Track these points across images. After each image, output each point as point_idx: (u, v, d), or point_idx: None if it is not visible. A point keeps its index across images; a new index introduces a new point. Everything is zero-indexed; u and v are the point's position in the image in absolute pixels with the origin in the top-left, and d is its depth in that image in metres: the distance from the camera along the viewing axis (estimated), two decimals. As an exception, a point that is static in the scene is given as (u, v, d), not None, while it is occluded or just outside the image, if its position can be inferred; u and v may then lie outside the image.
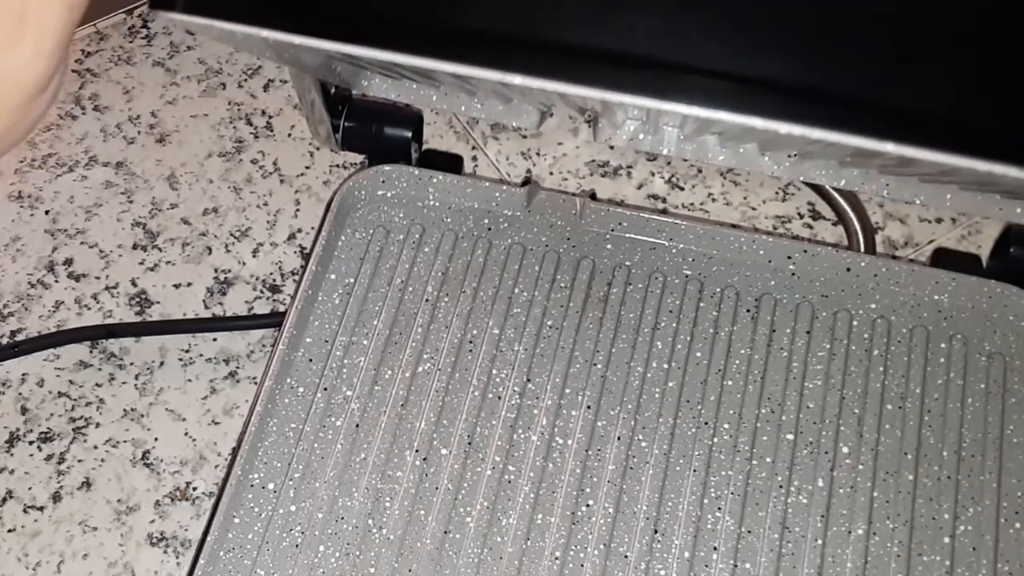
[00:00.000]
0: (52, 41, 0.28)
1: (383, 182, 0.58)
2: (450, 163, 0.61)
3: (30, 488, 0.55)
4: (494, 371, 0.53)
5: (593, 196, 0.59)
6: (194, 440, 0.56)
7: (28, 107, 0.29)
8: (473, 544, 0.49)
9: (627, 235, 0.57)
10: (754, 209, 0.63)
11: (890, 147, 0.32)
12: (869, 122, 0.32)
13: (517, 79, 0.33)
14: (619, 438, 0.52)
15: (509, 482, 0.51)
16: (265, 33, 0.36)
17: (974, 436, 0.51)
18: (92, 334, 0.59)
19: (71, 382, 0.58)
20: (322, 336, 0.54)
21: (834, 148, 0.43)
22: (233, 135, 0.67)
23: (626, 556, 0.49)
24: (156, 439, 0.56)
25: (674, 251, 0.57)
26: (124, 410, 0.57)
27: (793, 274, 0.56)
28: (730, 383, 0.53)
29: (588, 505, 0.50)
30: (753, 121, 0.32)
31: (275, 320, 0.59)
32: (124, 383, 0.58)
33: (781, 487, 0.50)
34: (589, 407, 0.52)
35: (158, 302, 0.61)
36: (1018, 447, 0.51)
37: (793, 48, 0.33)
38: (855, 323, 0.55)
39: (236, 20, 0.36)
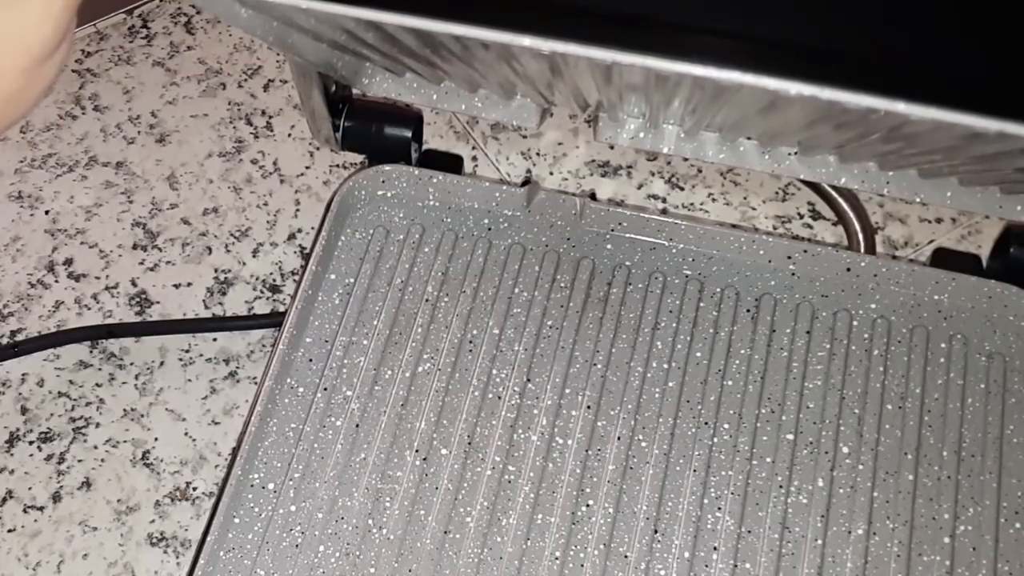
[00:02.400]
0: (62, 3, 0.27)
1: (383, 182, 0.58)
2: (450, 163, 0.61)
3: (30, 488, 0.55)
4: (494, 371, 0.53)
5: (593, 196, 0.59)
6: (194, 440, 0.56)
7: (34, 73, 0.28)
8: (473, 544, 0.49)
9: (627, 235, 0.57)
10: (754, 209, 0.63)
11: (901, 107, 0.32)
12: (878, 82, 0.32)
13: (527, 41, 0.33)
14: (619, 438, 0.52)
15: (509, 482, 0.51)
16: None
17: (974, 436, 0.51)
18: (92, 334, 0.59)
19: (71, 382, 0.58)
20: (322, 336, 0.54)
21: (835, 133, 0.43)
22: (233, 135, 0.67)
23: (626, 556, 0.49)
24: (156, 439, 0.56)
25: (674, 251, 0.57)
26: (124, 410, 0.57)
27: (793, 274, 0.56)
28: (730, 383, 0.53)
29: (588, 505, 0.50)
30: (764, 81, 0.32)
31: (275, 320, 0.59)
32: (124, 383, 0.58)
33: (781, 487, 0.50)
34: (589, 407, 0.52)
35: (158, 302, 0.61)
36: (1018, 447, 0.51)
37: (801, 8, 0.33)
38: (855, 323, 0.55)
39: None
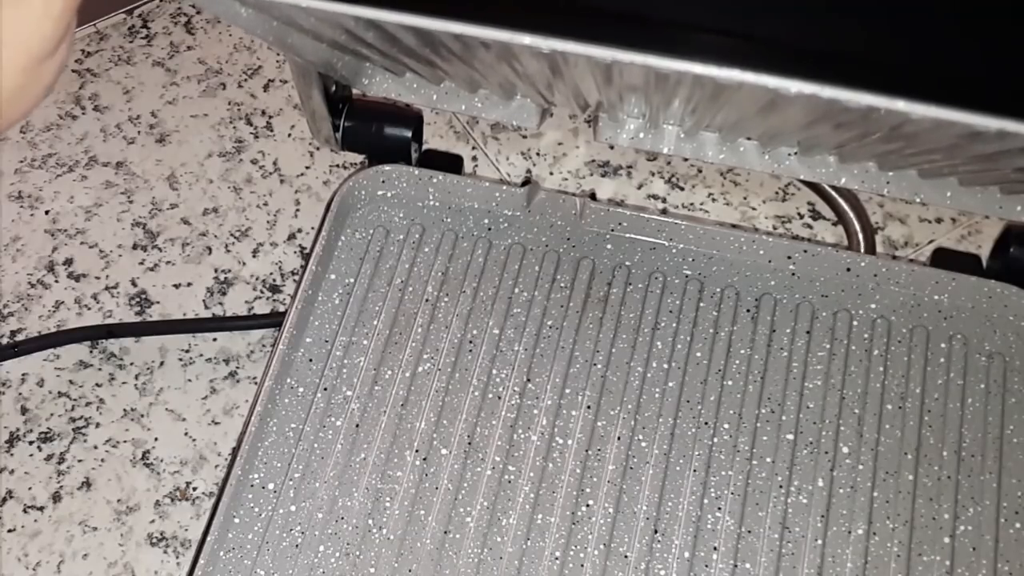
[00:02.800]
0: (62, 2, 0.27)
1: (383, 182, 0.58)
2: (450, 163, 0.61)
3: (30, 488, 0.55)
4: (494, 371, 0.53)
5: (593, 196, 0.59)
6: (194, 440, 0.56)
7: (34, 71, 0.28)
8: (473, 544, 0.49)
9: (627, 235, 0.57)
10: (754, 209, 0.63)
11: (900, 105, 0.32)
12: (878, 80, 0.32)
13: (527, 39, 0.33)
14: (619, 438, 0.52)
15: (509, 482, 0.51)
16: None
17: (974, 436, 0.51)
18: (92, 334, 0.59)
19: (71, 382, 0.58)
20: (322, 336, 0.54)
21: (835, 133, 0.43)
22: (233, 135, 0.67)
23: (626, 556, 0.49)
24: (156, 439, 0.56)
25: (674, 251, 0.57)
26: (124, 410, 0.57)
27: (793, 274, 0.56)
28: (730, 383, 0.53)
29: (588, 505, 0.50)
30: (764, 79, 0.32)
31: (275, 320, 0.59)
32: (124, 383, 0.58)
33: (781, 487, 0.50)
34: (589, 407, 0.52)
35: (158, 302, 0.61)
36: (1018, 447, 0.51)
37: (801, 7, 0.33)
38: (855, 323, 0.55)
39: None
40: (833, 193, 0.61)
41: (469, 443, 0.52)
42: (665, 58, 0.33)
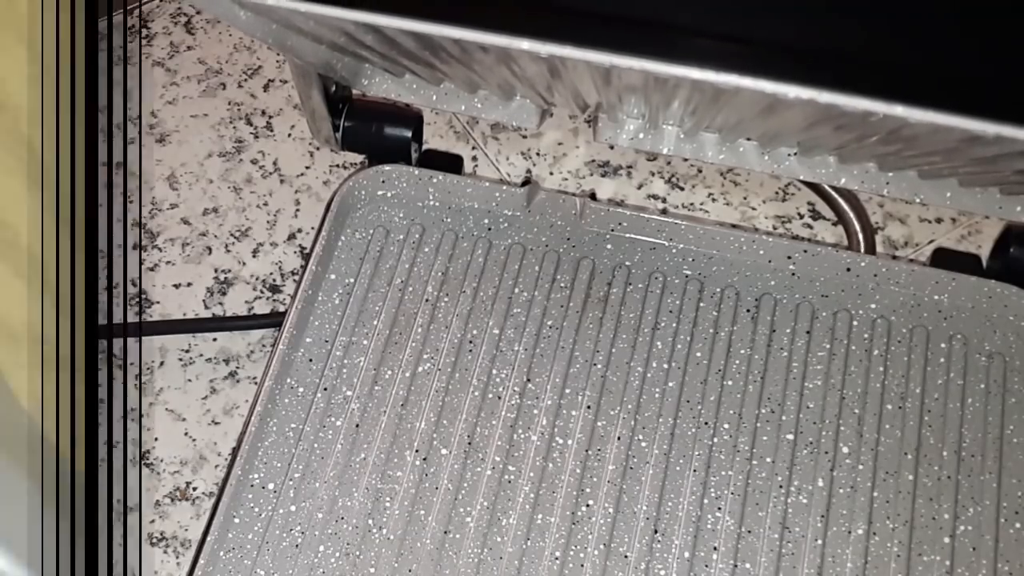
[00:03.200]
0: None
1: (383, 182, 0.58)
2: (450, 163, 0.61)
3: (30, 488, 0.55)
4: (494, 371, 0.53)
5: (593, 196, 0.59)
6: (194, 440, 0.56)
7: None
8: (473, 544, 0.49)
9: (627, 235, 0.57)
10: (754, 209, 0.63)
11: (899, 110, 0.32)
12: (876, 85, 0.32)
13: (525, 44, 0.33)
14: (619, 438, 0.52)
15: (509, 482, 0.51)
16: (271, 1, 0.35)
17: (974, 436, 0.51)
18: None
19: (71, 382, 0.58)
20: (322, 336, 0.54)
21: (835, 135, 0.43)
22: (233, 135, 0.67)
23: (626, 556, 0.49)
24: (156, 439, 0.56)
25: (674, 251, 0.57)
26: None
27: (793, 274, 0.56)
28: (730, 383, 0.53)
29: (588, 505, 0.50)
30: (762, 84, 0.32)
31: (275, 320, 0.59)
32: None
33: (781, 487, 0.50)
34: (589, 407, 0.52)
35: (158, 302, 0.61)
36: (1018, 447, 0.51)
37: (800, 11, 0.33)
38: (855, 323, 0.55)
39: None
40: (833, 193, 0.61)
41: (469, 443, 0.52)
42: (663, 63, 0.33)
